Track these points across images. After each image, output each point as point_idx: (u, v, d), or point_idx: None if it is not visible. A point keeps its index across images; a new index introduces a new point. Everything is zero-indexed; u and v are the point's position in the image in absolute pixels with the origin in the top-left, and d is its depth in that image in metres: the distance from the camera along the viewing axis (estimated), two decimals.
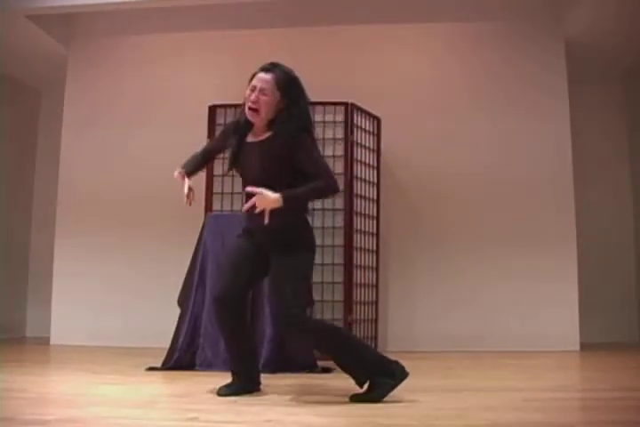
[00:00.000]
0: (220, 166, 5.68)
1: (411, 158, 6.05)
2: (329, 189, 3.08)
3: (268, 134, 3.13)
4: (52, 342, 6.05)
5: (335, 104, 5.58)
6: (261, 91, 3.08)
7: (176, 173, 3.29)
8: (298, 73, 5.96)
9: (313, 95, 5.48)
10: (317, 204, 5.23)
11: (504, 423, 2.38)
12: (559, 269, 5.82)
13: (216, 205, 5.61)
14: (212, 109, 5.76)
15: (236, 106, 5.72)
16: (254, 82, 3.11)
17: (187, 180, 3.24)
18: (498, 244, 5.90)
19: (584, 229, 6.18)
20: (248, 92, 3.12)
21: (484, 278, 5.87)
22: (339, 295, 5.16)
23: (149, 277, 6.02)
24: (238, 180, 5.58)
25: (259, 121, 3.12)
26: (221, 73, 6.28)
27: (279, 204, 2.91)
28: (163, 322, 4.74)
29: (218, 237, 4.49)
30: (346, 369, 3.01)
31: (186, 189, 3.19)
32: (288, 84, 3.11)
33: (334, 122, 5.55)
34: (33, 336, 6.89)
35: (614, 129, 6.97)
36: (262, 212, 2.91)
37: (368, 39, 6.25)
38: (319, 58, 6.18)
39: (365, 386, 2.96)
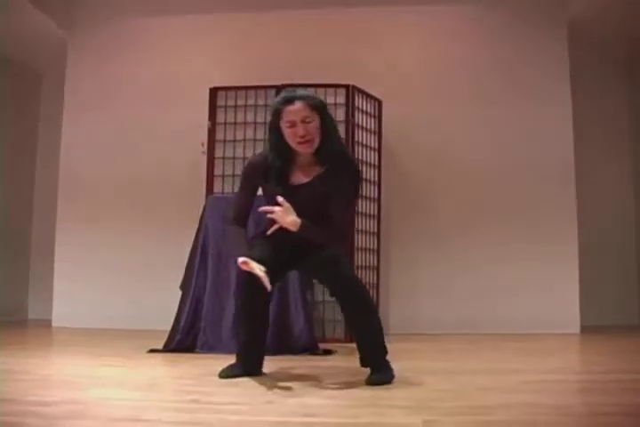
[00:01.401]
0: (221, 149, 5.70)
1: (412, 141, 6.04)
2: (335, 240, 3.02)
3: (319, 171, 3.01)
4: (53, 324, 6.08)
5: (336, 86, 5.56)
6: (304, 120, 2.90)
7: (241, 264, 2.84)
8: (300, 55, 6.01)
9: (314, 77, 5.55)
10: None
11: (503, 405, 2.40)
12: (560, 253, 5.83)
13: (217, 188, 5.61)
14: (214, 92, 5.75)
15: (237, 88, 5.73)
16: (289, 117, 2.90)
17: (254, 263, 2.84)
18: (499, 227, 5.91)
19: (585, 213, 6.19)
20: (288, 130, 2.91)
21: (484, 262, 5.88)
22: None
23: (151, 260, 6.04)
24: (239, 162, 5.65)
25: (312, 149, 2.95)
26: (223, 55, 6.28)
27: (293, 229, 2.88)
28: (164, 305, 4.76)
29: (219, 220, 4.49)
30: (369, 345, 2.98)
31: (260, 272, 2.81)
32: (318, 104, 2.96)
33: (335, 104, 5.53)
34: (35, 319, 6.92)
35: (616, 113, 6.95)
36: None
37: (370, 21, 6.23)
38: (320, 40, 6.18)
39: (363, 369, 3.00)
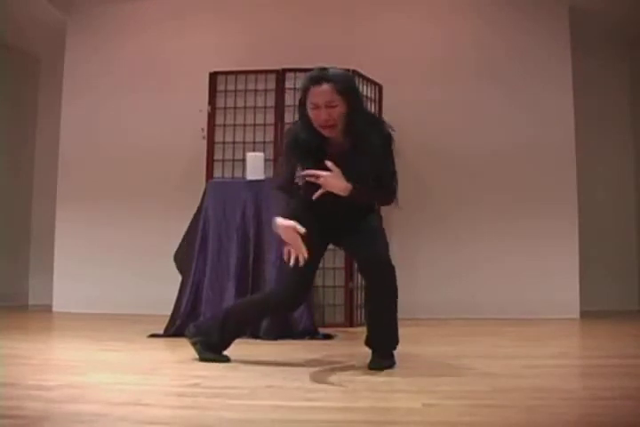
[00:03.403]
0: (221, 133, 5.68)
1: (412, 126, 5.99)
2: (388, 202, 3.01)
3: (347, 146, 2.90)
4: (54, 309, 6.08)
5: None
6: (328, 105, 2.78)
7: (289, 226, 2.75)
8: (300, 39, 5.96)
9: (315, 61, 5.41)
10: None
11: (504, 389, 2.40)
12: (560, 238, 5.82)
13: (217, 172, 5.60)
14: (213, 76, 5.72)
15: (236, 72, 5.70)
16: (313, 99, 2.80)
17: (295, 224, 2.75)
18: (499, 212, 5.89)
19: (586, 198, 6.18)
20: (311, 111, 2.81)
21: (485, 246, 5.87)
22: (340, 262, 5.16)
23: (152, 244, 6.02)
24: (239, 146, 5.63)
25: (336, 133, 2.86)
26: (222, 39, 6.21)
27: (344, 194, 2.79)
28: (165, 289, 4.75)
29: (219, 205, 4.49)
30: (383, 333, 2.96)
31: (301, 229, 2.74)
32: (347, 88, 2.84)
33: None
34: (35, 304, 6.92)
35: (616, 96, 6.90)
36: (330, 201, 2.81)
37: (371, 4, 6.17)
38: (321, 22, 6.13)
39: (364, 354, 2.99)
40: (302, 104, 2.89)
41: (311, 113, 2.84)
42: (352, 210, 2.96)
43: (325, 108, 2.79)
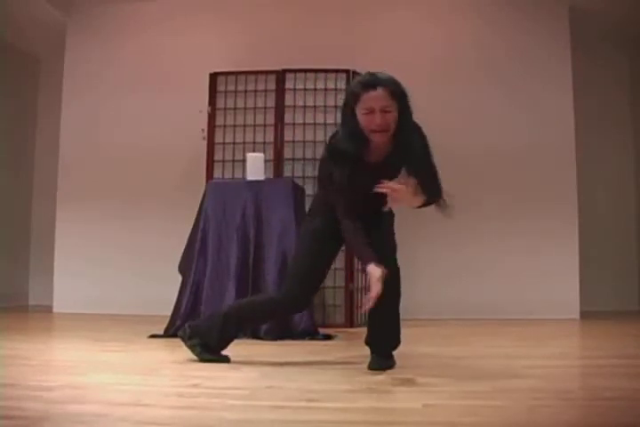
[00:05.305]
0: (221, 134, 5.68)
1: None
2: (433, 202, 3.02)
3: (389, 151, 2.89)
4: (54, 310, 6.08)
5: (337, 71, 5.54)
6: (383, 110, 2.71)
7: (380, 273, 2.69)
8: (300, 39, 5.96)
9: (315, 61, 5.52)
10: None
11: (504, 389, 2.40)
12: (560, 238, 5.82)
13: (217, 173, 5.60)
14: (214, 77, 5.72)
15: (237, 73, 5.70)
16: (368, 104, 2.72)
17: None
18: (500, 213, 5.89)
19: (586, 197, 6.18)
20: (364, 116, 2.74)
21: (485, 246, 5.87)
22: (340, 263, 5.16)
23: (152, 245, 6.03)
24: (239, 147, 5.63)
25: (386, 138, 2.80)
26: (222, 39, 6.21)
27: (412, 207, 2.85)
28: (165, 290, 4.76)
29: (219, 205, 4.49)
30: (386, 334, 2.97)
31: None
32: (400, 92, 2.78)
33: (336, 89, 5.52)
34: (35, 304, 6.93)
35: (616, 96, 6.91)
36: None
37: (371, 3, 6.16)
38: (321, 22, 6.12)
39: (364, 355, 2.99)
40: (350, 109, 2.81)
41: (364, 118, 2.76)
42: (372, 209, 2.96)
43: (380, 112, 2.73)
